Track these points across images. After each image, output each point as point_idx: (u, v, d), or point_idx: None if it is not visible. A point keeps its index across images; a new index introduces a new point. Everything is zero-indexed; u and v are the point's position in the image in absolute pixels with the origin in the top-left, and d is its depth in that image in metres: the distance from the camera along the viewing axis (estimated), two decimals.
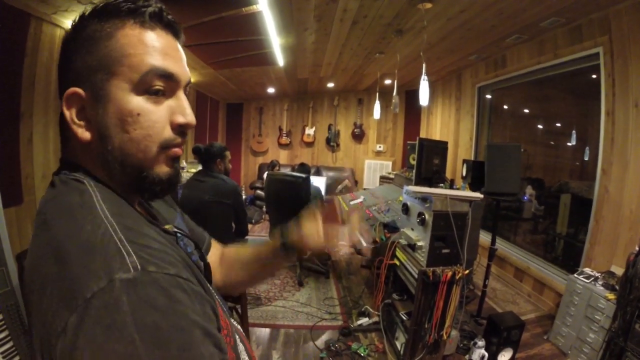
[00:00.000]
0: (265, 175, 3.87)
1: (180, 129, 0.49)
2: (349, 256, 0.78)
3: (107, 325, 0.31)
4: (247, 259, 0.80)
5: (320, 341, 2.33)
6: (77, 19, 0.47)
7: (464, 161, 2.90)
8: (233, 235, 2.41)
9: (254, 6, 2.54)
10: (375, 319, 2.48)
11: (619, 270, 2.16)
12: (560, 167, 3.68)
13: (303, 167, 3.75)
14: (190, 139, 5.32)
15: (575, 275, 2.31)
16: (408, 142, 3.74)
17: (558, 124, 3.75)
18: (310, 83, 5.84)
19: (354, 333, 2.40)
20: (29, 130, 2.28)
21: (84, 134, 0.46)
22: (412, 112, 6.38)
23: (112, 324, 0.31)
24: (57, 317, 0.33)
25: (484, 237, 3.42)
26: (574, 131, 3.35)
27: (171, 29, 0.49)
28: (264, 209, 5.47)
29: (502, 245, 3.63)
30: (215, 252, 0.81)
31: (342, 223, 0.76)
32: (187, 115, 0.49)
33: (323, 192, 4.44)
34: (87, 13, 0.46)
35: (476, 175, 2.65)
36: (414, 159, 2.85)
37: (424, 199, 1.92)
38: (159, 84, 0.46)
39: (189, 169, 4.27)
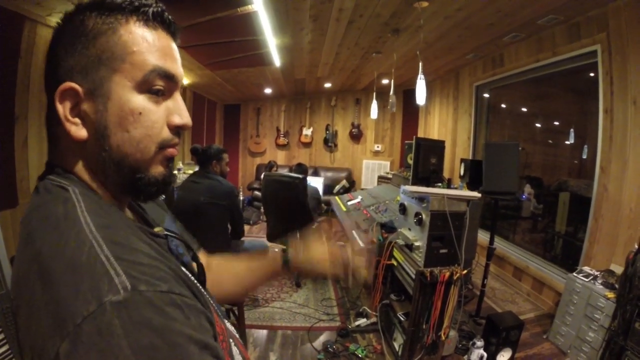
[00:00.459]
0: (262, 176, 3.86)
1: (176, 130, 0.49)
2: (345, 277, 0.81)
3: (101, 350, 0.30)
4: (238, 271, 0.79)
5: (318, 342, 2.32)
6: (72, 10, 0.45)
7: (462, 160, 2.87)
8: (229, 237, 2.39)
9: (249, 6, 2.53)
10: (373, 319, 2.47)
11: (618, 269, 2.15)
12: (558, 166, 3.67)
13: (300, 168, 3.74)
14: (187, 140, 5.32)
15: (575, 274, 2.29)
16: (406, 141, 3.72)
17: (556, 122, 3.75)
18: (308, 83, 5.83)
19: (352, 334, 2.39)
20: (23, 132, 2.27)
21: (79, 132, 0.44)
22: (410, 111, 6.37)
23: (106, 348, 0.30)
24: (47, 342, 0.32)
25: (483, 236, 3.40)
26: (572, 129, 3.34)
27: (170, 30, 0.48)
28: (262, 209, 5.46)
29: (500, 245, 3.62)
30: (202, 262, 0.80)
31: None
32: (183, 116, 0.49)
33: (321, 193, 4.43)
34: (84, 4, 0.44)
35: (474, 174, 2.63)
36: (411, 159, 2.84)
37: (421, 198, 1.91)
38: (160, 84, 0.45)
39: (185, 170, 4.26)
